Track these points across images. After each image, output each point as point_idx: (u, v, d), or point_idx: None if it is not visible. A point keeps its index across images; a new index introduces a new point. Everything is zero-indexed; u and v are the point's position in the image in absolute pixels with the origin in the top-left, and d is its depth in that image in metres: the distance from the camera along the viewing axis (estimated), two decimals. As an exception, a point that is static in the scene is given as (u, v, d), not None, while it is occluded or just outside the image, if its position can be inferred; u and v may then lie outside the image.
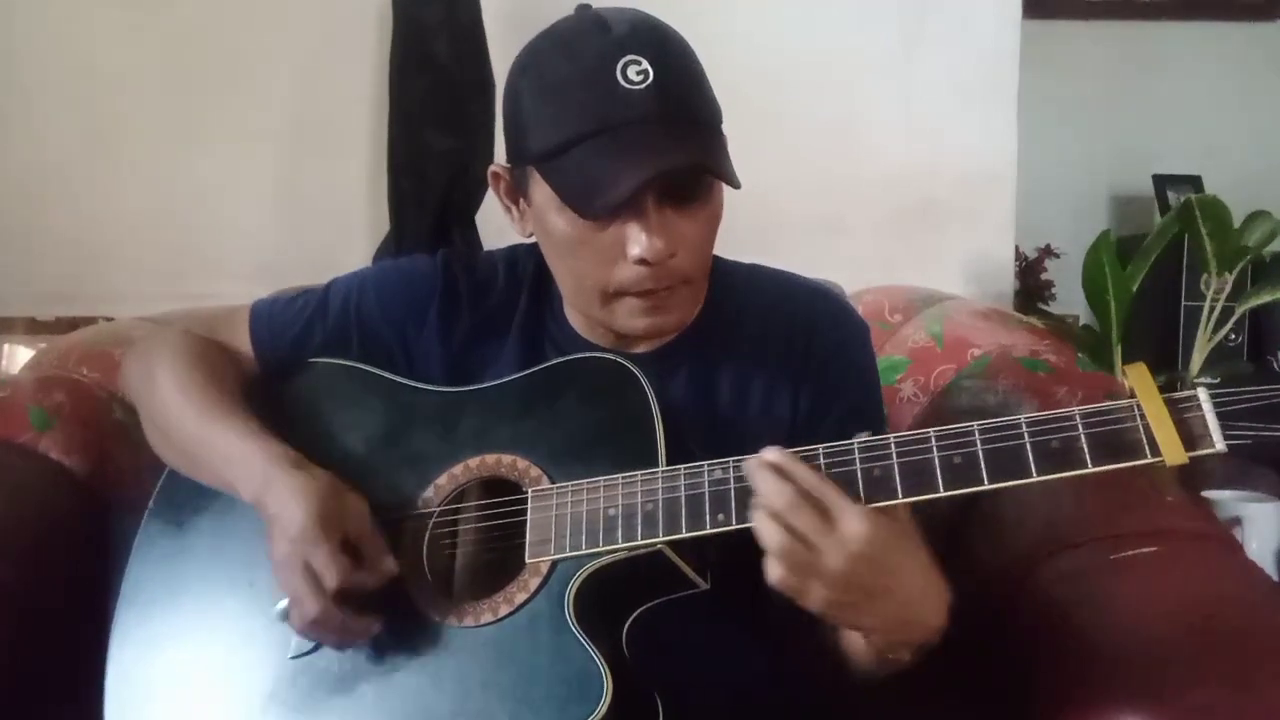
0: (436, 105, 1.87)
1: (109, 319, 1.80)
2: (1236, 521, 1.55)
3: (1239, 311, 1.70)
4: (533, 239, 0.97)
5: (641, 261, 0.85)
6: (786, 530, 0.73)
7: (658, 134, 0.82)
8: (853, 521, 0.72)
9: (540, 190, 0.88)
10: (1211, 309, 1.73)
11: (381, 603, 0.87)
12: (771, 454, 0.76)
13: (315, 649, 0.89)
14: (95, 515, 1.27)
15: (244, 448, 0.92)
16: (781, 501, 0.74)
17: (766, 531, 0.74)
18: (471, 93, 1.85)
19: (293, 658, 0.90)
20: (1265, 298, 1.66)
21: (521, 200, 0.93)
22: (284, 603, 0.87)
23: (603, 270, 0.87)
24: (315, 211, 2.02)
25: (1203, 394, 0.69)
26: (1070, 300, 2.36)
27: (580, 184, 0.83)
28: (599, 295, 0.90)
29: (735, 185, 0.85)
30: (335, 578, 0.84)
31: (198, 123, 2.00)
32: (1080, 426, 0.71)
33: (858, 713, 0.94)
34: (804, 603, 0.75)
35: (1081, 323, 2.08)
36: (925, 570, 0.78)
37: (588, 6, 0.89)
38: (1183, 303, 2.47)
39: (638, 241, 0.84)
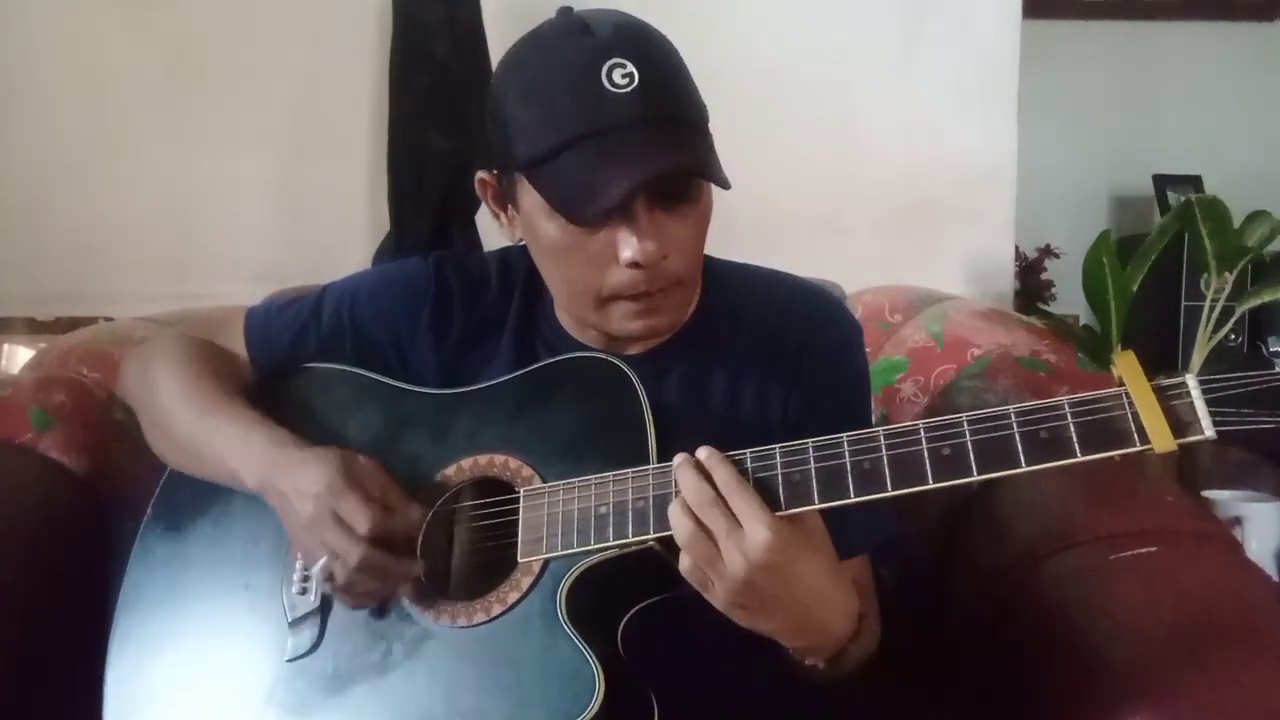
0: (436, 105, 1.87)
1: (109, 319, 1.81)
2: (1236, 521, 1.55)
3: (1239, 311, 1.70)
4: (523, 243, 0.97)
5: (634, 265, 0.85)
6: (697, 526, 0.75)
7: (646, 137, 0.82)
8: (757, 530, 0.74)
9: (529, 196, 0.87)
10: (1211, 309, 1.73)
11: (412, 548, 0.87)
12: (702, 452, 0.78)
13: (312, 651, 0.90)
14: (95, 515, 1.27)
15: (246, 435, 0.93)
16: (696, 498, 0.76)
17: (677, 523, 0.76)
18: (471, 93, 1.85)
19: (289, 660, 0.90)
20: (1265, 298, 1.66)
21: (510, 206, 0.93)
22: (319, 565, 0.85)
23: (595, 274, 0.87)
24: (315, 211, 2.03)
25: (1191, 381, 0.69)
26: (1070, 300, 2.36)
27: (570, 190, 0.83)
28: (592, 299, 0.89)
29: (725, 186, 0.84)
30: (367, 520, 0.84)
31: (198, 123, 2.00)
32: (1069, 415, 0.71)
33: (856, 712, 0.94)
34: (710, 599, 0.77)
35: (1081, 323, 2.08)
36: (830, 581, 0.79)
37: (569, 9, 0.89)
38: (1183, 303, 2.47)
39: (629, 245, 0.84)
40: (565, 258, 0.88)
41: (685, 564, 0.76)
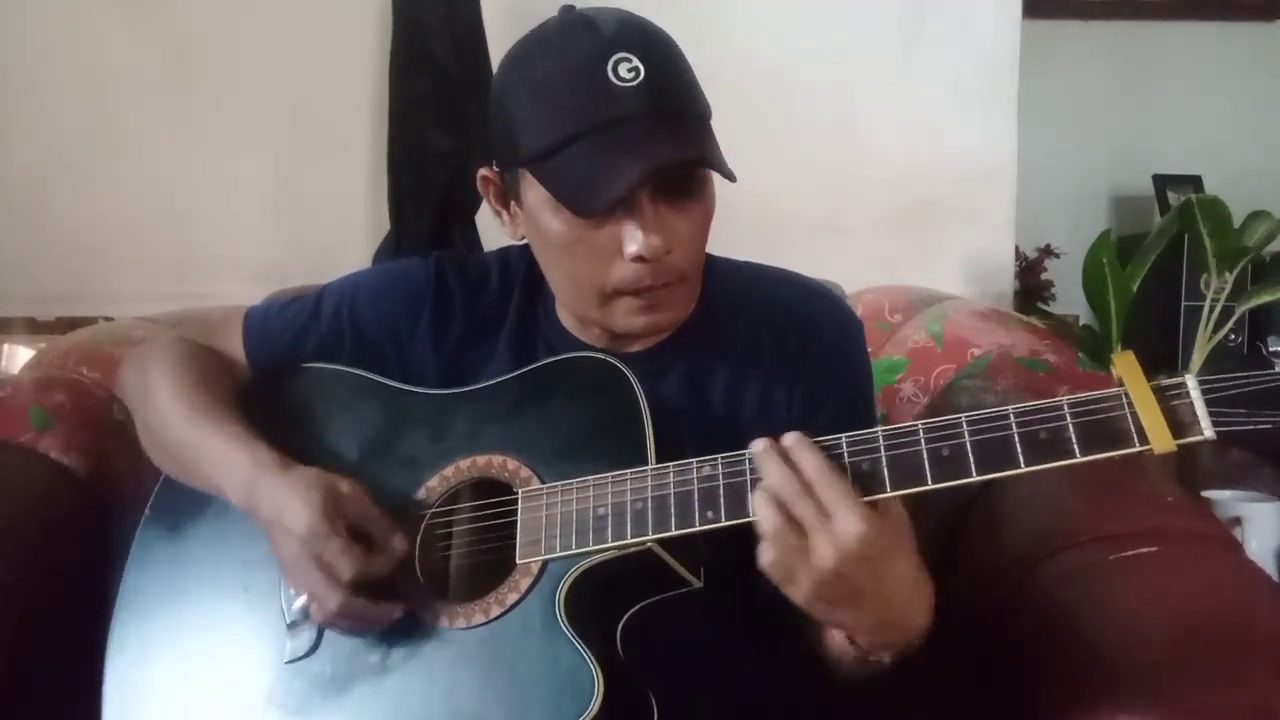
0: (436, 105, 1.87)
1: (109, 319, 1.81)
2: (1236, 521, 1.55)
3: (1239, 311, 1.70)
4: (524, 242, 0.97)
5: (639, 259, 0.85)
6: (785, 517, 0.73)
7: (653, 130, 0.82)
8: (849, 520, 0.71)
9: (534, 192, 0.87)
10: (1211, 309, 1.73)
11: (395, 586, 0.87)
12: (789, 437, 0.76)
13: (310, 653, 0.90)
14: (94, 515, 1.27)
15: (231, 453, 0.92)
16: (785, 488, 0.73)
17: (764, 514, 0.73)
18: (471, 93, 1.85)
19: (288, 662, 0.90)
20: (1265, 298, 1.67)
21: (513, 203, 0.93)
22: (300, 601, 0.88)
23: (599, 270, 0.87)
24: (315, 211, 2.03)
25: (1191, 381, 0.68)
26: (1070, 300, 2.36)
27: (576, 183, 0.83)
28: (596, 295, 0.89)
29: (732, 179, 0.84)
30: (350, 569, 0.84)
31: (198, 123, 2.00)
32: (1068, 416, 0.71)
33: (856, 712, 0.94)
34: (790, 592, 0.75)
35: (1081, 323, 2.08)
36: (915, 573, 0.78)
37: (571, 7, 0.89)
38: (1183, 303, 2.47)
39: (634, 239, 0.84)
40: (569, 253, 0.88)
41: (769, 557, 0.73)
